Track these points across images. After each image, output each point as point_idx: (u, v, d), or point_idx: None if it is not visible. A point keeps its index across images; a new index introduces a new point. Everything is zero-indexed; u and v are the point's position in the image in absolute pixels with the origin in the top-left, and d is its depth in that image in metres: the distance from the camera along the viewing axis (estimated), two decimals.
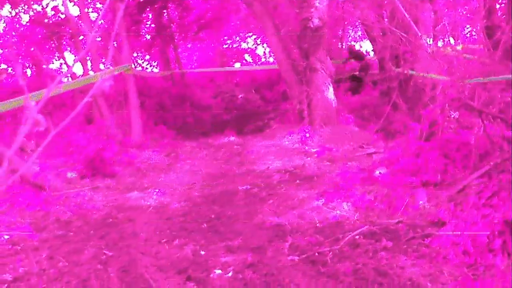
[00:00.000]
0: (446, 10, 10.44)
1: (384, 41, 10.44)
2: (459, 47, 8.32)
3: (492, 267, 4.56)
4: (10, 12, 15.97)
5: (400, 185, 6.67)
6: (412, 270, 4.70)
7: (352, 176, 7.45)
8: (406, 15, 8.37)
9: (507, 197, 5.43)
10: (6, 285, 4.92)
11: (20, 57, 17.07)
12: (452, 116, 7.87)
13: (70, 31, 14.38)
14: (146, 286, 4.73)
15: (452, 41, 8.70)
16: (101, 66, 13.00)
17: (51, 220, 6.90)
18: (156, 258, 5.44)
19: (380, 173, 7.22)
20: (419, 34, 9.30)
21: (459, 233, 5.09)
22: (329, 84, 11.81)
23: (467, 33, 10.87)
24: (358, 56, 16.72)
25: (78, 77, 13.50)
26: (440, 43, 9.27)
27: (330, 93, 11.75)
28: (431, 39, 9.70)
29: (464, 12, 10.98)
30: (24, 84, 1.86)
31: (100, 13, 14.91)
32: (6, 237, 6.31)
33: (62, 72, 17.60)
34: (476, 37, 9.70)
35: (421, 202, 6.19)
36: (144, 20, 18.71)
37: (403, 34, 9.09)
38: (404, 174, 6.91)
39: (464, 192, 6.10)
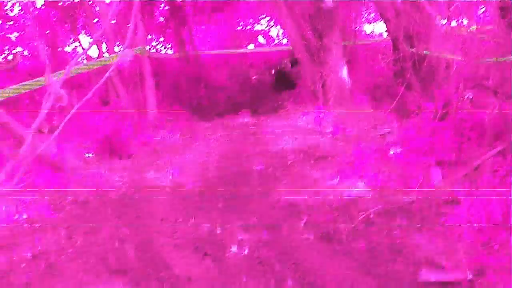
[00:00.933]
0: None
1: (397, 21, 10.39)
2: (473, 28, 8.28)
3: (506, 245, 4.58)
4: None
5: (414, 164, 6.69)
6: (427, 248, 4.74)
7: (367, 155, 7.47)
8: None
9: None
10: (25, 263, 5.00)
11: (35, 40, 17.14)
12: (466, 96, 7.86)
13: (85, 14, 14.42)
14: (163, 264, 4.80)
15: (465, 21, 8.65)
16: (116, 49, 13.00)
17: (68, 200, 6.97)
18: (173, 237, 5.50)
19: (394, 152, 7.23)
20: (433, 15, 9.27)
21: (474, 211, 5.12)
22: (343, 64, 11.79)
23: (481, 14, 10.78)
24: None
25: (93, 59, 13.55)
26: (454, 23, 9.21)
27: (344, 73, 11.73)
28: (445, 20, 9.65)
29: None
30: (48, 64, 1.91)
31: None
32: (24, 216, 6.40)
33: (77, 54, 17.68)
34: (490, 18, 9.64)
35: (435, 181, 6.21)
36: (158, 3, 18.67)
37: (417, 14, 9.06)
38: (418, 153, 6.92)
39: (479, 170, 6.11)
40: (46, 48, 16.74)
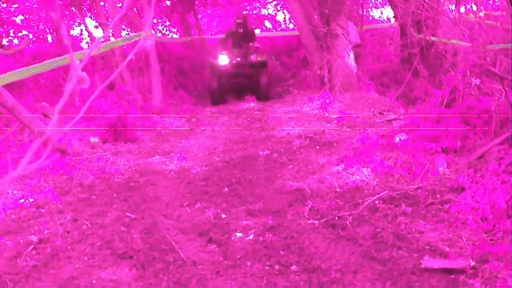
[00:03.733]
0: None
1: (405, 7, 10.35)
2: (481, 14, 8.25)
3: (510, 233, 4.60)
4: None
5: (420, 151, 6.70)
6: (431, 235, 4.76)
7: (372, 142, 7.47)
8: None
9: None
10: (32, 246, 5.04)
11: (41, 23, 17.15)
12: (473, 82, 7.84)
13: None
14: (168, 248, 4.83)
15: (474, 7, 8.61)
16: (123, 33, 13.02)
17: (74, 184, 7.01)
18: (178, 220, 5.53)
19: (400, 139, 7.23)
20: (441, 0, 9.24)
21: (478, 199, 5.13)
22: (349, 50, 11.78)
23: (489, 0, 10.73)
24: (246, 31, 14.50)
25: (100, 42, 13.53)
26: (462, 9, 9.17)
27: (351, 59, 11.72)
28: (453, 5, 9.62)
29: None
30: (69, 44, 1.91)
31: None
32: (30, 200, 6.44)
33: (83, 38, 17.69)
34: (498, 4, 9.61)
35: (440, 168, 6.23)
36: None
37: (425, 0, 9.03)
38: (424, 140, 6.93)
39: (484, 158, 6.12)
40: (51, 31, 16.76)
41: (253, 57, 13.58)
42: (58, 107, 1.63)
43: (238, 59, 13.48)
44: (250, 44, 13.82)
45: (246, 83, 13.52)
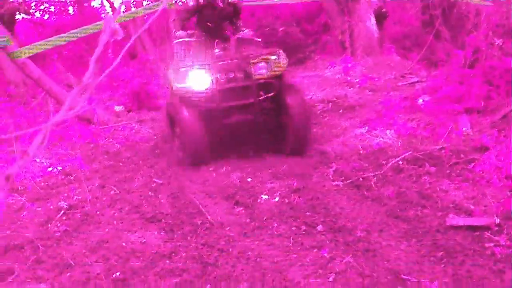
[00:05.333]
0: None
1: None
2: None
3: None
4: None
5: (443, 112, 6.69)
6: (455, 194, 4.78)
7: (395, 104, 7.47)
8: None
9: None
10: (62, 212, 5.15)
11: None
12: (496, 43, 7.77)
13: None
14: (196, 211, 4.91)
15: None
16: (144, 3, 13.06)
17: (100, 152, 7.12)
18: (204, 185, 5.61)
19: (423, 101, 7.22)
20: None
21: (502, 158, 5.14)
22: (371, 14, 11.69)
23: None
24: None
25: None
26: None
27: (372, 23, 11.64)
28: None
29: None
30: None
31: None
32: (59, 168, 6.56)
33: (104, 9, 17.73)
34: None
35: (464, 128, 6.21)
36: None
37: None
38: (447, 101, 6.90)
39: (507, 118, 6.10)
40: (72, 3, 16.83)
41: (261, 66, 6.30)
42: (95, 56, 1.68)
43: (230, 74, 6.28)
44: (236, 24, 7.16)
45: (254, 126, 6.55)
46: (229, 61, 6.37)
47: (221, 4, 6.83)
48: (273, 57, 6.37)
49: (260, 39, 7.25)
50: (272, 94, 6.25)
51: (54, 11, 17.14)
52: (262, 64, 6.27)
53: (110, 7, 15.60)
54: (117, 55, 1.82)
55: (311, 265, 3.78)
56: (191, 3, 6.81)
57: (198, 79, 6.10)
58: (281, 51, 6.59)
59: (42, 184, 6.10)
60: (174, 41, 6.90)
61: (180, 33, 6.79)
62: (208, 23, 6.93)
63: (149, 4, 14.98)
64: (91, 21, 8.64)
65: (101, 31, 1.73)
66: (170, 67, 6.47)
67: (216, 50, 6.70)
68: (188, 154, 6.13)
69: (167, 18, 12.04)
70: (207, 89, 6.11)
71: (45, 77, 7.78)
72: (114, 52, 1.91)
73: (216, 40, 6.79)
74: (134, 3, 12.59)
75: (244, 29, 7.03)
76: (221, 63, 6.33)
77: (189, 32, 6.90)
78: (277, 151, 6.41)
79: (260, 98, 6.23)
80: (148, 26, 11.68)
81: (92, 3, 17.92)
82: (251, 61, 6.25)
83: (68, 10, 17.61)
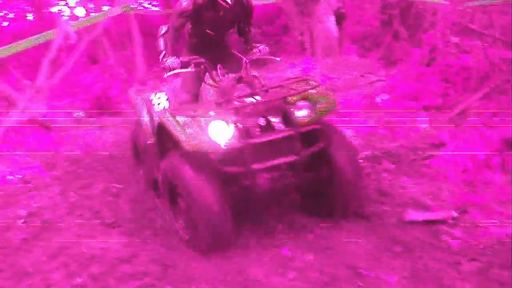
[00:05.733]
0: None
1: None
2: None
3: (490, 184, 4.71)
4: None
5: (401, 110, 6.76)
6: (414, 190, 4.85)
7: (354, 103, 7.52)
8: None
9: (506, 117, 5.54)
10: (22, 219, 5.09)
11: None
12: (453, 40, 7.90)
13: None
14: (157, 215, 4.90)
15: None
16: (104, 8, 12.89)
17: (60, 159, 7.04)
18: None
19: (382, 99, 7.29)
20: None
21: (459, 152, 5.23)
22: (330, 14, 11.74)
23: None
24: None
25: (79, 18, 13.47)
26: None
27: (332, 23, 11.68)
28: None
29: None
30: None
31: None
32: (18, 176, 6.47)
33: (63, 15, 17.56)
34: None
35: (422, 125, 6.30)
36: None
37: None
38: (405, 99, 6.99)
39: (464, 114, 6.20)
40: (31, 9, 16.64)
41: (303, 105, 4.36)
42: (50, 56, 1.67)
43: (261, 120, 4.25)
44: (246, 35, 5.61)
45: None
46: (258, 100, 4.27)
47: (227, 3, 4.67)
48: (316, 91, 4.44)
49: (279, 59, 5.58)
50: (321, 145, 4.27)
51: (14, 17, 16.94)
52: (304, 103, 4.33)
53: (70, 13, 15.47)
54: (79, 61, 1.81)
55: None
56: (185, 3, 4.77)
57: (220, 132, 3.96)
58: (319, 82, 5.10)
59: (1, 192, 6.01)
60: (165, 75, 4.68)
61: (172, 60, 4.73)
62: (208, 31, 5.03)
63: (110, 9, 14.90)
64: (50, 27, 8.52)
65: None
66: (167, 112, 4.43)
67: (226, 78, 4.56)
68: (203, 237, 4.06)
69: (127, 23, 11.97)
70: (233, 145, 4.00)
71: (3, 84, 7.67)
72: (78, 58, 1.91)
73: (218, 65, 4.70)
74: (94, 8, 12.46)
75: (259, 44, 5.48)
76: (248, 103, 4.23)
77: (182, 59, 4.78)
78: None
79: (307, 152, 4.21)
80: (106, 31, 11.51)
81: (51, 9, 17.71)
82: (287, 99, 4.29)
83: (27, 17, 17.42)
